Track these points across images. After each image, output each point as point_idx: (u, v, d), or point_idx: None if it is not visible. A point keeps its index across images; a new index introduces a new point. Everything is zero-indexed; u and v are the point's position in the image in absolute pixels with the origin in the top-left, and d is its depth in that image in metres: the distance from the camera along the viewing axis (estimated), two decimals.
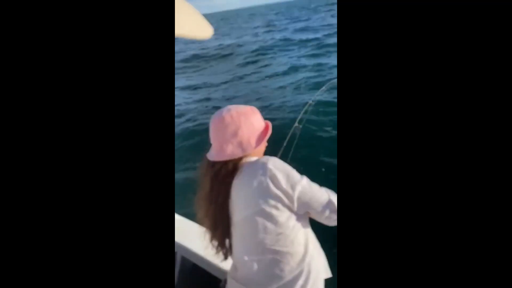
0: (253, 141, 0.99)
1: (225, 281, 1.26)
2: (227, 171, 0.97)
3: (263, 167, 0.93)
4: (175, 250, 1.83)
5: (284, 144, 1.50)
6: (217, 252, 1.08)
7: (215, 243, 1.07)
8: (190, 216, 1.82)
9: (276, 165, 0.94)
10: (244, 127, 0.98)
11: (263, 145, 1.05)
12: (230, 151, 0.97)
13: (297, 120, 1.63)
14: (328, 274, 1.04)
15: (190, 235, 1.78)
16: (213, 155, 1.00)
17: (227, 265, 1.21)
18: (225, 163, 0.98)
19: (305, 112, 1.70)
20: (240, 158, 0.99)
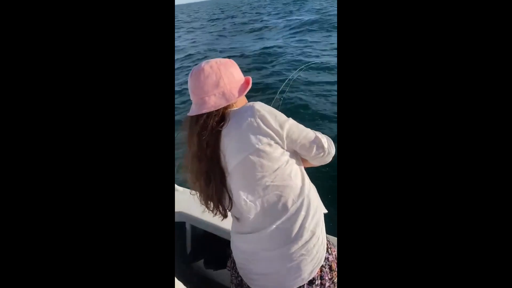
0: (235, 91, 0.98)
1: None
2: (214, 121, 0.95)
3: (251, 109, 0.92)
4: (184, 220, 1.85)
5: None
6: (215, 212, 1.04)
7: (211, 202, 1.03)
8: None
9: (263, 106, 0.94)
10: (225, 77, 0.97)
11: (244, 99, 1.05)
12: (213, 102, 0.95)
13: (278, 93, 1.67)
14: (324, 209, 1.08)
15: (196, 204, 1.72)
16: (195, 110, 0.96)
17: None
18: (209, 114, 0.95)
19: (286, 86, 1.75)
20: (225, 108, 0.97)
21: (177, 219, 1.86)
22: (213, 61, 0.99)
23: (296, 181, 0.99)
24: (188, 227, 1.89)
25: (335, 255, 1.08)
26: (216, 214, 1.05)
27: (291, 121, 0.97)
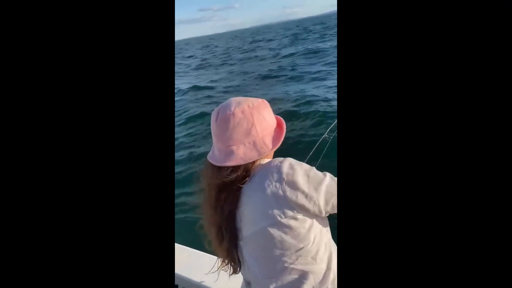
0: (268, 141, 0.86)
1: None
2: (237, 177, 0.83)
3: (278, 171, 0.79)
4: (176, 283, 1.70)
5: (310, 154, 1.26)
6: (224, 266, 0.95)
7: (222, 255, 0.93)
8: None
9: (293, 166, 0.80)
10: (258, 124, 0.84)
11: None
12: (242, 154, 0.83)
13: (328, 131, 1.40)
14: None
15: (191, 265, 1.73)
16: (220, 159, 0.84)
17: None
18: (234, 167, 0.83)
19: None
20: (253, 162, 0.85)
21: None
22: (245, 104, 0.85)
23: (321, 265, 0.85)
24: None
25: None
26: (224, 267, 0.95)
27: (328, 178, 0.81)
